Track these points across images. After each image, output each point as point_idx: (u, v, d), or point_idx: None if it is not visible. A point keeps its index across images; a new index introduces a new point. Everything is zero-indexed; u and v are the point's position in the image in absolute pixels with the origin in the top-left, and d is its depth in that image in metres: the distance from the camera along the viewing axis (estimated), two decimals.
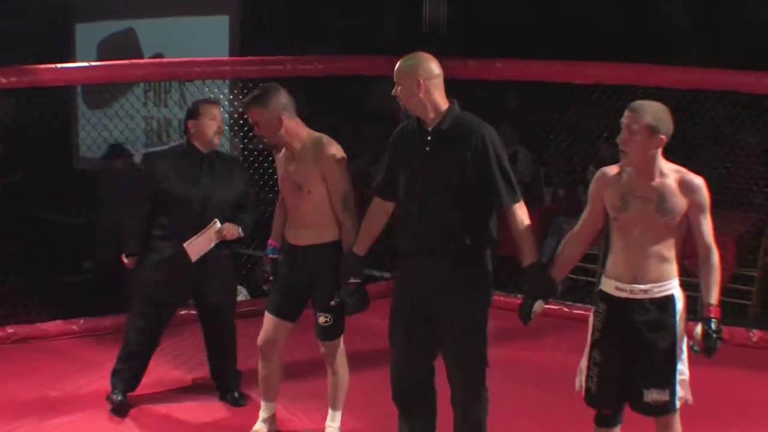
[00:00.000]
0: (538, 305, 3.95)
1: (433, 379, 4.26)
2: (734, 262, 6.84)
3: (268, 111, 4.37)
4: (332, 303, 4.48)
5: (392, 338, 4.21)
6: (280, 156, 4.56)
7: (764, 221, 7.16)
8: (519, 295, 6.01)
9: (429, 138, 4.02)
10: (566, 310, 7.11)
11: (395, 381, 4.22)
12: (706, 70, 6.58)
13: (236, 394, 5.39)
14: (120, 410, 5.24)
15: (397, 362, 4.19)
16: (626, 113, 3.72)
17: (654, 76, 6.60)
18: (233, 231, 5.11)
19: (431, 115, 4.00)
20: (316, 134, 4.46)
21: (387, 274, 7.64)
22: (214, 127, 5.04)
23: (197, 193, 5.04)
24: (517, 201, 3.98)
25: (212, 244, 5.01)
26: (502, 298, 6.40)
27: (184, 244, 4.98)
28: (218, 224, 5.03)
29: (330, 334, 4.58)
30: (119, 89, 8.43)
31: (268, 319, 4.63)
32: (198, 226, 5.01)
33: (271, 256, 4.65)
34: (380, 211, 4.26)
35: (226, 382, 5.42)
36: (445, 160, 3.97)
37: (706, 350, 3.68)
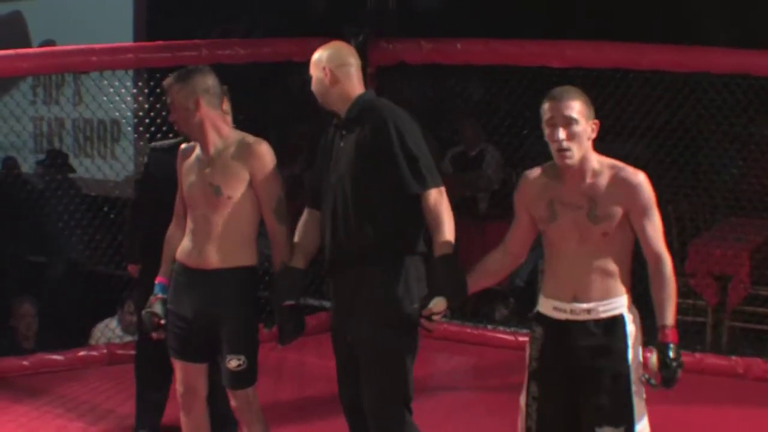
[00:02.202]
0: (438, 302, 3.71)
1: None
2: (749, 279, 6.54)
3: (185, 89, 4.13)
4: (270, 330, 4.26)
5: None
6: (189, 162, 4.22)
7: None
8: (489, 326, 6.76)
9: (343, 132, 4.00)
10: None
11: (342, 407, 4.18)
12: (713, 50, 6.26)
13: None
14: None
15: (340, 392, 4.15)
16: (552, 104, 3.48)
17: (648, 58, 6.22)
18: None
19: (343, 106, 4.00)
20: (240, 133, 4.25)
21: (327, 303, 7.08)
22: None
23: None
24: (427, 187, 3.84)
25: None
26: (468, 330, 6.69)
27: None
28: None
29: (244, 380, 4.20)
30: (2, 85, 8.25)
31: (177, 365, 4.30)
32: None
33: (160, 296, 4.30)
34: (312, 222, 4.13)
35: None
36: (350, 151, 3.94)
37: (663, 382, 3.47)
